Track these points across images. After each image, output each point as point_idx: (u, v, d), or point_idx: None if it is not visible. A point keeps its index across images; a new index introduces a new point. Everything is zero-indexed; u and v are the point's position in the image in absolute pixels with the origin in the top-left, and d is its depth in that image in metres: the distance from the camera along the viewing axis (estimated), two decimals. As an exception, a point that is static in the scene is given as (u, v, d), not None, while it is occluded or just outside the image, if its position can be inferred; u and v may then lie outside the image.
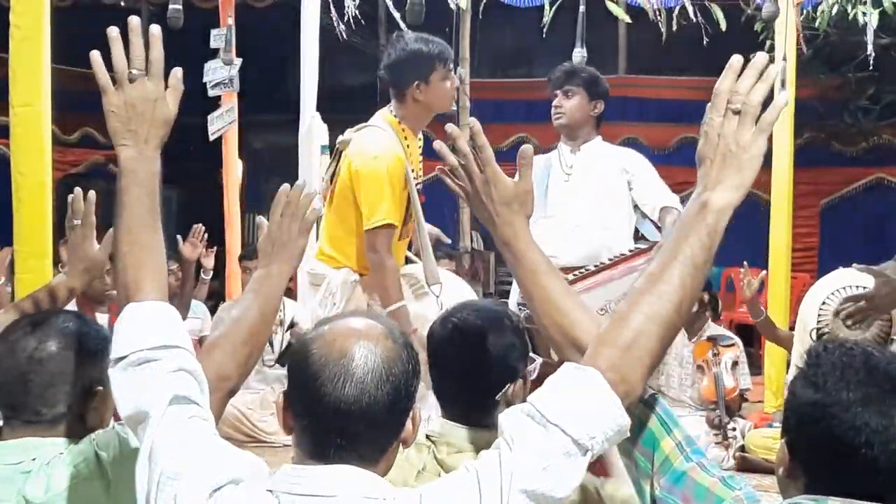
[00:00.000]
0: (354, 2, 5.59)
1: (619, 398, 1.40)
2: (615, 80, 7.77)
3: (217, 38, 5.95)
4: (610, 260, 3.66)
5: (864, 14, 6.46)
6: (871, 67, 6.96)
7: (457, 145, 1.67)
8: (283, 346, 5.70)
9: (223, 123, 6.34)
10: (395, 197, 3.39)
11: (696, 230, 1.49)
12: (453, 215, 7.79)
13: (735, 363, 5.50)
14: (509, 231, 1.66)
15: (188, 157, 7.01)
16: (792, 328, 4.71)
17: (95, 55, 1.65)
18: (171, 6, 3.77)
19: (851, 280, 3.50)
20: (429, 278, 3.49)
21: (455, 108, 6.26)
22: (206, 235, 5.29)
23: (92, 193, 2.29)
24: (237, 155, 6.98)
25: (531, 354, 2.07)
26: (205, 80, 5.94)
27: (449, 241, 4.95)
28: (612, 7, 6.02)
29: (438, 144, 1.69)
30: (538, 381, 1.49)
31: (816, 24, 7.17)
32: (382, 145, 3.41)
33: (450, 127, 1.71)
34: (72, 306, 2.42)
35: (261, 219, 2.06)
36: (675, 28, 6.24)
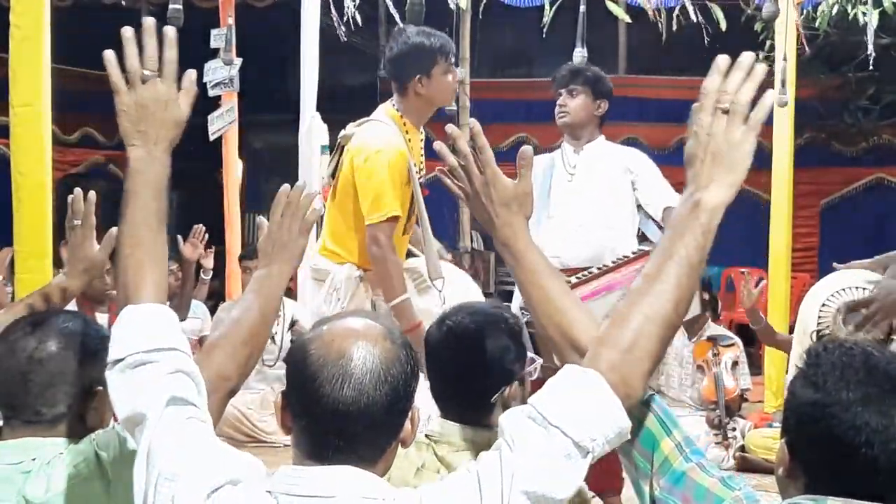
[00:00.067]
0: (354, 2, 5.59)
1: (619, 400, 1.40)
2: (615, 80, 7.73)
3: (217, 38, 5.95)
4: (614, 262, 3.66)
5: (864, 14, 6.47)
6: (871, 67, 6.96)
7: (457, 146, 1.67)
8: (283, 345, 5.70)
9: (223, 123, 6.34)
10: (397, 191, 3.38)
11: (691, 229, 1.50)
12: (453, 215, 7.79)
13: (735, 363, 5.50)
14: (509, 232, 1.66)
15: (188, 157, 7.00)
16: (792, 328, 4.71)
17: (109, 54, 1.64)
18: (171, 6, 3.77)
19: (852, 281, 3.49)
20: (431, 272, 3.48)
21: (455, 107, 6.27)
22: (206, 236, 5.29)
23: (92, 194, 2.29)
24: (237, 155, 6.98)
25: (532, 355, 2.07)
26: (205, 80, 5.94)
27: (448, 255, 4.94)
28: (612, 7, 6.03)
29: (439, 145, 1.69)
30: (539, 384, 1.49)
31: (816, 24, 7.18)
32: (385, 139, 3.41)
33: (450, 127, 1.71)
34: (72, 306, 2.42)
35: (261, 219, 2.06)
36: (675, 28, 6.24)
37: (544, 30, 6.23)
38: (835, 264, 3.15)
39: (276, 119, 8.93)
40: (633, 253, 3.70)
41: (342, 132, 3.58)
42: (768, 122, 6.85)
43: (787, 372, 5.62)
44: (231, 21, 5.99)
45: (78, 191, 2.28)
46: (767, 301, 6.64)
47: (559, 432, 1.35)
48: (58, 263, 3.21)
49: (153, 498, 1.37)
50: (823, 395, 1.42)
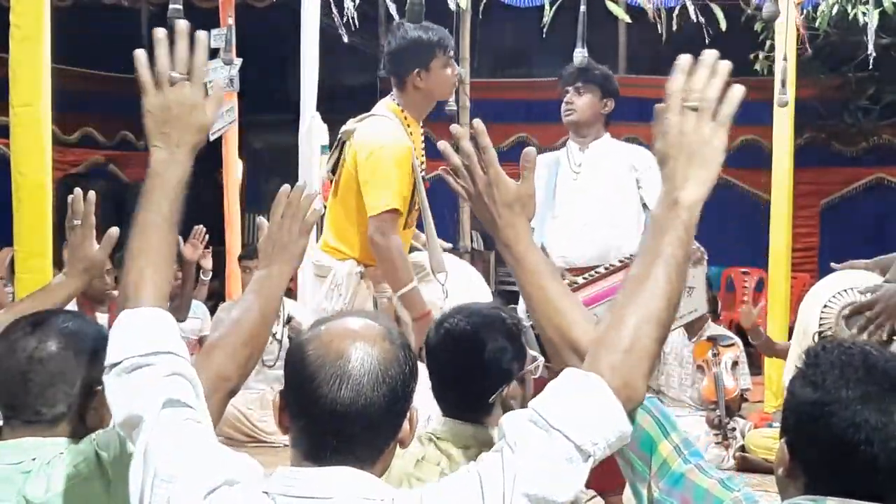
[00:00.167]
0: (354, 2, 5.58)
1: (621, 404, 1.40)
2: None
3: (217, 38, 5.94)
4: (620, 262, 3.66)
5: (865, 14, 6.46)
6: (871, 67, 6.96)
7: (461, 146, 1.67)
8: (283, 345, 5.70)
9: (223, 123, 6.34)
10: (400, 184, 3.38)
11: (672, 228, 1.52)
12: (453, 215, 7.79)
13: (735, 363, 5.50)
14: (511, 233, 1.66)
15: (188, 157, 6.99)
16: (792, 328, 4.70)
17: (140, 54, 1.65)
18: (171, 6, 3.76)
19: (854, 282, 3.48)
20: (434, 266, 3.47)
21: (455, 107, 6.27)
22: (206, 237, 5.28)
23: (92, 193, 2.29)
24: (237, 155, 6.98)
25: (533, 353, 2.09)
26: (205, 80, 5.93)
27: (449, 245, 4.95)
28: (612, 7, 6.01)
29: (443, 144, 1.69)
30: (543, 383, 1.49)
31: (816, 24, 7.17)
32: (389, 134, 3.42)
33: (454, 127, 1.71)
34: (72, 306, 2.42)
35: (261, 219, 2.06)
36: (675, 28, 6.23)
37: (544, 30, 6.22)
38: (833, 264, 3.15)
39: (276, 119, 8.93)
40: None
41: (343, 127, 3.59)
42: (768, 122, 6.88)
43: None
44: (231, 21, 5.99)
45: (78, 191, 2.28)
46: (767, 301, 6.64)
47: (561, 435, 1.36)
48: (58, 263, 3.21)
49: (149, 499, 1.37)
50: (823, 394, 1.42)
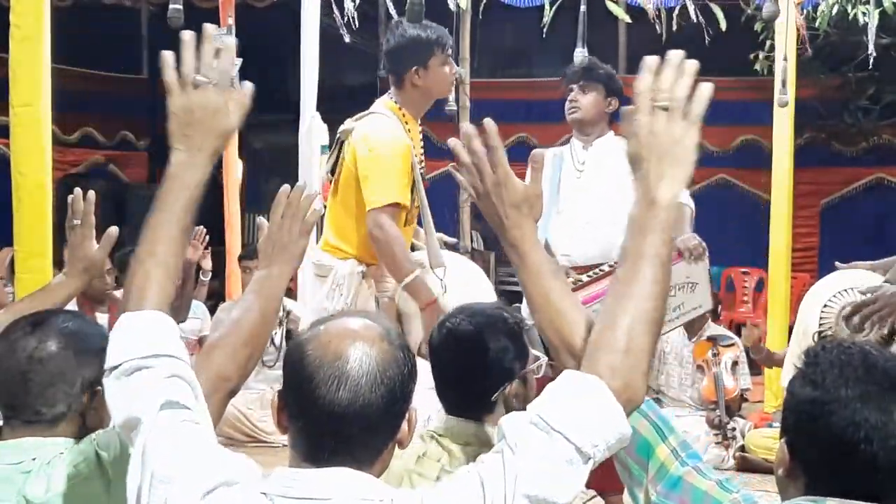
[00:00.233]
0: (354, 2, 5.59)
1: (623, 405, 1.41)
2: (615, 79, 7.76)
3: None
4: None
5: (865, 14, 6.46)
6: (871, 67, 6.96)
7: (470, 145, 1.68)
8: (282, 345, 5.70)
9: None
10: (401, 180, 3.38)
11: (652, 228, 1.52)
12: (453, 215, 7.79)
13: (735, 363, 5.50)
14: (517, 234, 1.66)
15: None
16: (792, 328, 4.71)
17: (167, 55, 1.65)
18: (171, 6, 3.77)
19: (854, 282, 3.48)
20: (432, 261, 3.47)
21: (455, 107, 6.27)
22: (206, 237, 5.28)
23: (91, 193, 2.29)
24: (237, 155, 6.97)
25: (535, 352, 2.09)
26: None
27: (455, 240, 4.95)
28: (612, 7, 6.02)
29: (454, 142, 1.68)
30: (547, 382, 1.50)
31: (816, 24, 7.17)
32: (388, 131, 3.42)
33: (466, 126, 1.71)
34: (72, 306, 2.42)
35: (261, 220, 2.06)
36: (675, 28, 6.23)
37: (544, 30, 6.22)
38: (837, 263, 3.14)
39: (276, 119, 8.91)
40: None
41: (341, 127, 3.59)
42: (768, 122, 6.88)
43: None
44: (231, 21, 5.99)
45: (78, 191, 2.28)
46: (767, 301, 6.65)
47: (562, 437, 1.36)
48: (58, 263, 3.21)
49: (147, 500, 1.36)
50: (822, 393, 1.42)
